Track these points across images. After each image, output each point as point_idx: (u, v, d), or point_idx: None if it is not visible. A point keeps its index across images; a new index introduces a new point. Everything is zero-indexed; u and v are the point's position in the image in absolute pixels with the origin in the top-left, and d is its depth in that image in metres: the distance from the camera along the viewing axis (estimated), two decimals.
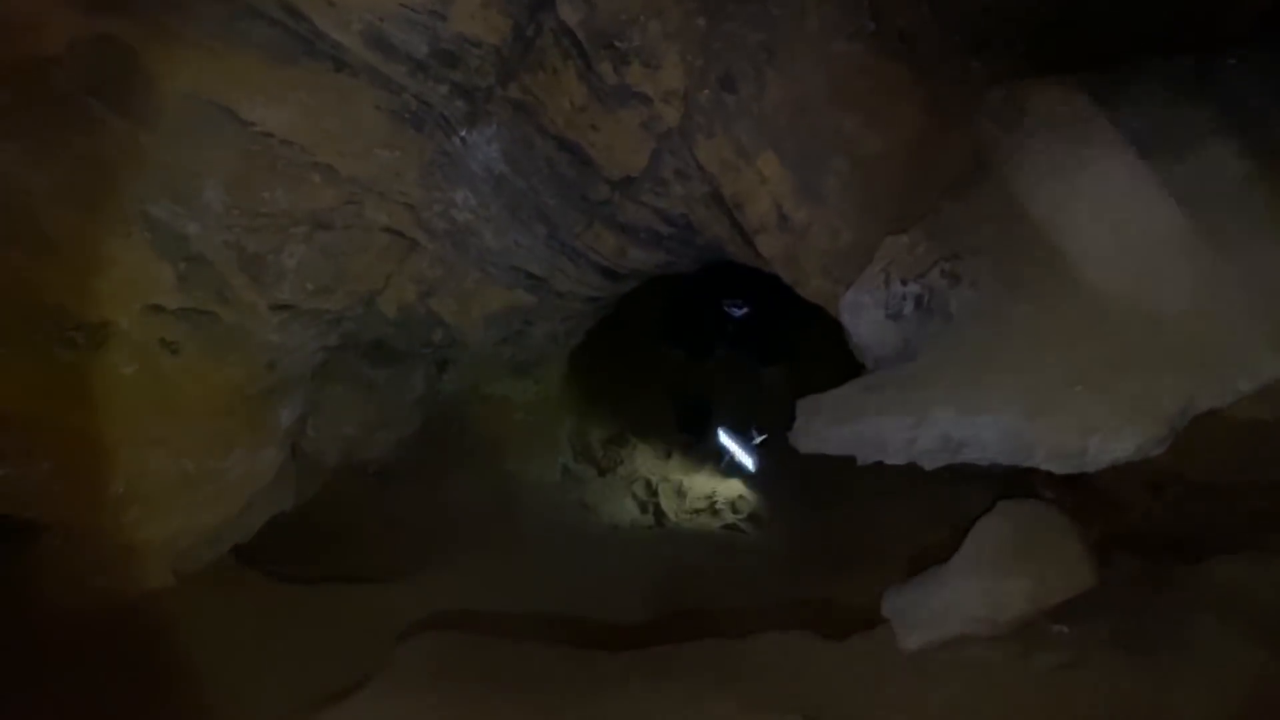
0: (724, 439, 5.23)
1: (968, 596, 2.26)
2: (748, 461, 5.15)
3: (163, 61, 2.15)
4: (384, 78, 2.30)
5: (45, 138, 2.14)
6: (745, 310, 5.29)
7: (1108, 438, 1.75)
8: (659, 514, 4.75)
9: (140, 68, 2.14)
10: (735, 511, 4.91)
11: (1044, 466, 1.87)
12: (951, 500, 3.48)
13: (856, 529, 3.85)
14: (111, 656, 2.55)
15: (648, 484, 4.97)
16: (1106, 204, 2.17)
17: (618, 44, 2.34)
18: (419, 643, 2.61)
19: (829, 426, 2.15)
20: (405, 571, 3.38)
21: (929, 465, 2.06)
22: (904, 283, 2.23)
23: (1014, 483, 2.97)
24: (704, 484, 5.06)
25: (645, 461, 5.17)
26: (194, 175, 2.30)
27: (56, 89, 2.11)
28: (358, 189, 2.48)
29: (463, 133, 2.51)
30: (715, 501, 4.93)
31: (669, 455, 5.31)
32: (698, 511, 4.82)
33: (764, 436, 5.26)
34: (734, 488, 5.07)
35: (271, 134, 2.29)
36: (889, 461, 2.08)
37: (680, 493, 4.98)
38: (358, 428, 3.40)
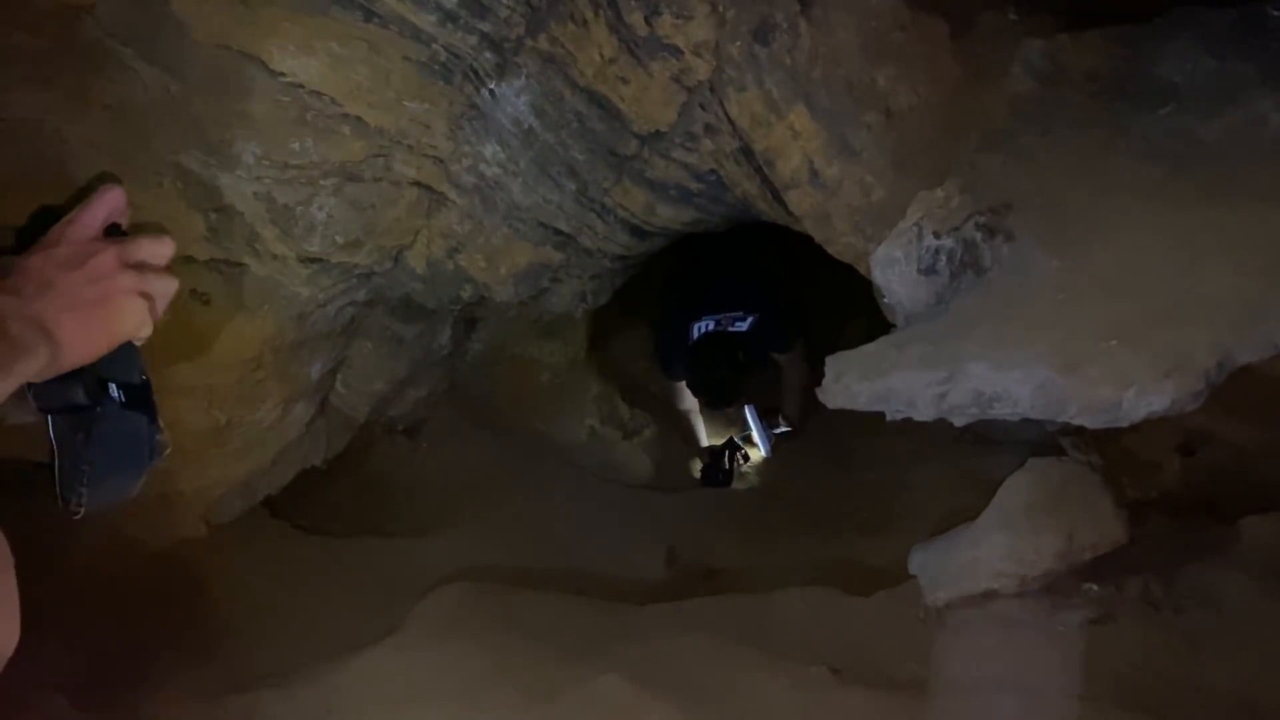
0: (748, 416, 5.01)
1: (995, 552, 2.25)
2: (763, 446, 5.02)
3: (193, 11, 2.14)
4: (413, 28, 2.29)
5: (79, 86, 2.14)
6: (750, 317, 4.86)
7: (1143, 391, 1.72)
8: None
9: (171, 16, 2.13)
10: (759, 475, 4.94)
11: (1077, 421, 1.84)
12: (979, 464, 3.47)
13: (883, 492, 3.84)
14: (144, 604, 2.60)
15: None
16: (1144, 157, 2.14)
17: None
18: (445, 593, 2.64)
19: (858, 382, 2.13)
20: (432, 527, 3.42)
21: (959, 421, 2.04)
22: (937, 236, 2.20)
23: (1043, 447, 2.95)
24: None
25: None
26: (224, 126, 2.30)
27: (89, 38, 2.12)
28: (386, 141, 2.47)
29: (491, 85, 2.50)
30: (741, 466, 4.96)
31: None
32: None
33: (787, 429, 5.09)
34: (757, 454, 5.09)
35: (301, 85, 2.28)
36: (918, 417, 2.06)
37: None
38: (387, 384, 3.42)
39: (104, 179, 1.07)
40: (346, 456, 3.46)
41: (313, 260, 2.60)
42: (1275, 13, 2.31)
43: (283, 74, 2.25)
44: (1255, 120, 2.13)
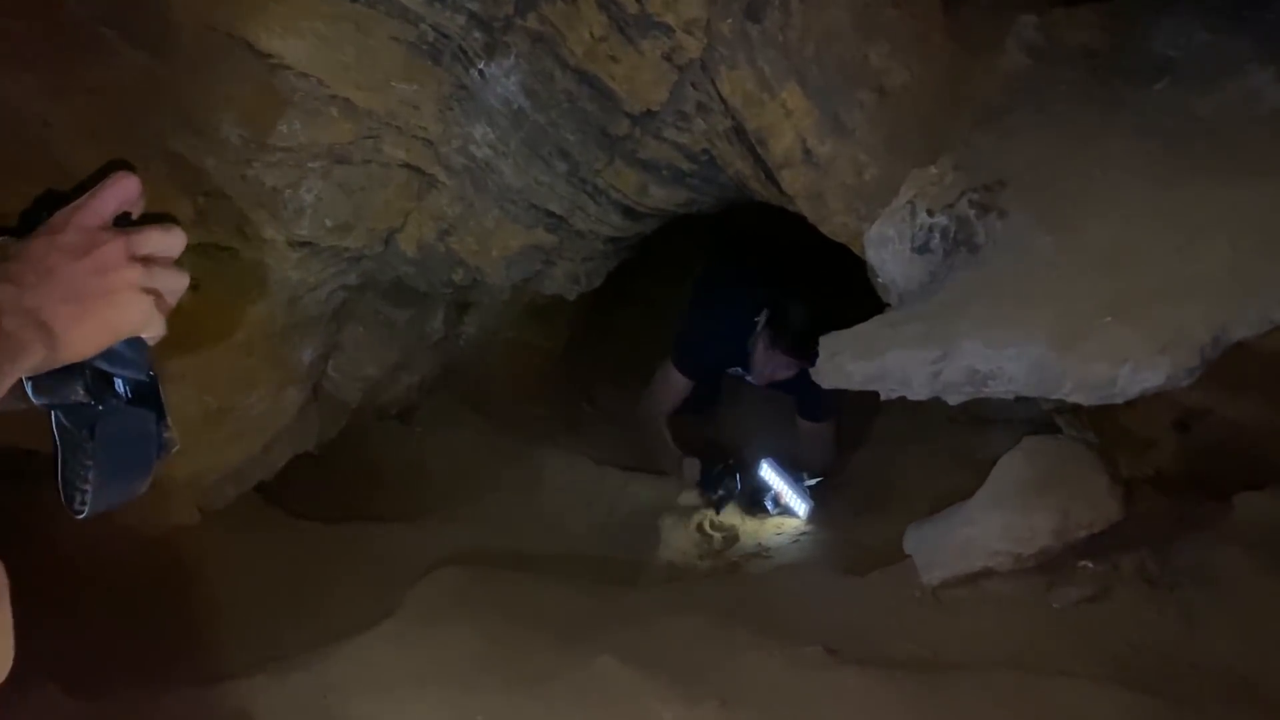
0: (770, 471, 3.76)
1: (990, 531, 2.25)
2: (801, 504, 3.67)
3: None
4: (401, 7, 2.26)
5: (62, 69, 2.11)
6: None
7: (1138, 367, 1.72)
8: None
9: None
10: None
11: (1072, 398, 1.84)
12: (975, 443, 3.47)
13: (878, 472, 3.85)
14: (138, 591, 2.59)
15: None
16: (1139, 133, 2.13)
17: None
18: (440, 577, 2.64)
19: (853, 361, 2.12)
20: (426, 512, 3.42)
21: (953, 400, 2.04)
22: (931, 214, 2.19)
23: (1036, 426, 2.96)
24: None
25: None
26: (211, 108, 2.27)
27: (73, 20, 2.09)
28: (375, 123, 2.45)
29: (481, 65, 2.47)
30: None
31: None
32: None
33: (819, 479, 3.81)
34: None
35: (289, 66, 2.26)
36: (913, 396, 2.06)
37: None
38: (379, 369, 3.40)
39: (117, 165, 1.03)
40: (339, 442, 3.45)
41: (302, 244, 2.58)
42: None
43: (269, 55, 2.22)
44: (1250, 94, 2.12)
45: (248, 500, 3.06)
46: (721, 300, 4.16)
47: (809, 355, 3.44)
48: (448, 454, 3.88)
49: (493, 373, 4.45)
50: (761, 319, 3.87)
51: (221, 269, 2.46)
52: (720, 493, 3.72)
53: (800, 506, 3.63)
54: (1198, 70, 2.21)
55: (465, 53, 2.44)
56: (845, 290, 3.33)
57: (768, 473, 3.73)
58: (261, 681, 2.23)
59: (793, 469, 3.75)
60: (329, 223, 2.57)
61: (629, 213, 3.05)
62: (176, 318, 1.04)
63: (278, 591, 2.75)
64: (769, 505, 3.75)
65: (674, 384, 4.10)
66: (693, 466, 3.89)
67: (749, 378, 4.07)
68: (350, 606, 2.64)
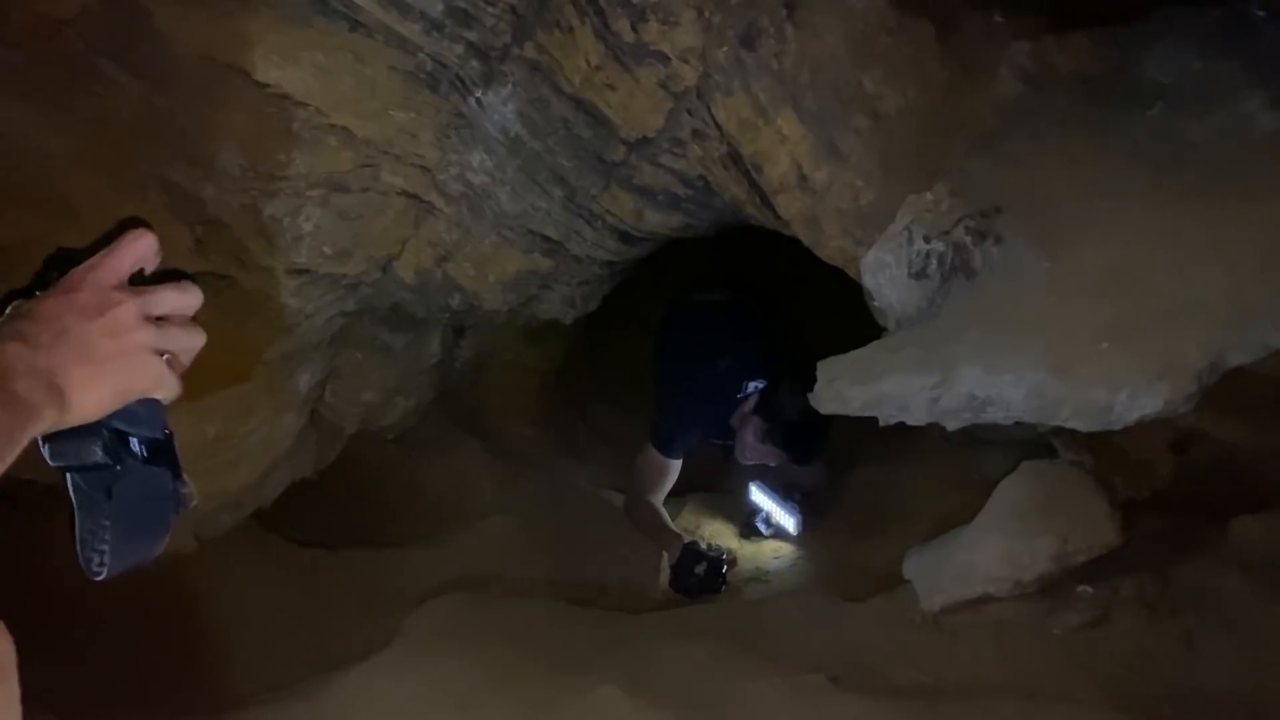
0: (759, 493, 3.83)
1: (990, 556, 2.25)
2: (791, 523, 3.72)
3: (176, 22, 2.12)
4: (399, 37, 2.27)
5: (61, 100, 2.12)
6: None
7: (1136, 393, 1.73)
8: None
9: (154, 29, 2.11)
10: None
11: (1070, 424, 1.85)
12: (972, 464, 3.47)
13: (875, 493, 3.84)
14: (135, 620, 2.57)
15: None
16: (1132, 159, 2.14)
17: (634, 0, 2.30)
18: (438, 605, 2.63)
19: (851, 386, 2.13)
20: (424, 536, 3.40)
21: (952, 425, 2.04)
22: (927, 240, 2.20)
23: (1034, 447, 2.96)
24: None
25: None
26: (210, 138, 2.28)
27: (70, 51, 2.09)
28: (374, 151, 2.46)
29: (478, 93, 2.49)
30: None
31: None
32: None
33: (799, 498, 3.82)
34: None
35: (287, 95, 2.26)
36: (911, 422, 2.06)
37: None
38: (376, 394, 3.40)
39: (132, 223, 1.02)
40: (337, 467, 3.44)
41: (300, 272, 2.58)
42: (1259, 12, 2.31)
43: (268, 85, 2.23)
44: (1242, 120, 2.13)
45: (245, 527, 3.05)
46: (696, 373, 3.90)
47: (803, 453, 3.57)
48: (445, 477, 3.86)
49: (489, 395, 4.45)
50: (748, 400, 3.72)
51: (220, 298, 2.46)
52: (691, 581, 3.33)
53: (790, 522, 3.69)
54: (1190, 96, 2.23)
55: (463, 81, 2.45)
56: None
57: (757, 495, 3.79)
58: (259, 713, 2.22)
59: (783, 489, 3.77)
60: (327, 250, 2.57)
61: (625, 237, 3.06)
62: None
63: (276, 619, 2.74)
64: (761, 527, 3.80)
65: (659, 466, 3.79)
66: (674, 553, 3.44)
67: (734, 454, 3.87)
68: (349, 634, 2.63)
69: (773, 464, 3.75)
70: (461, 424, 4.23)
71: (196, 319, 1.04)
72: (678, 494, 3.99)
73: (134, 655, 2.44)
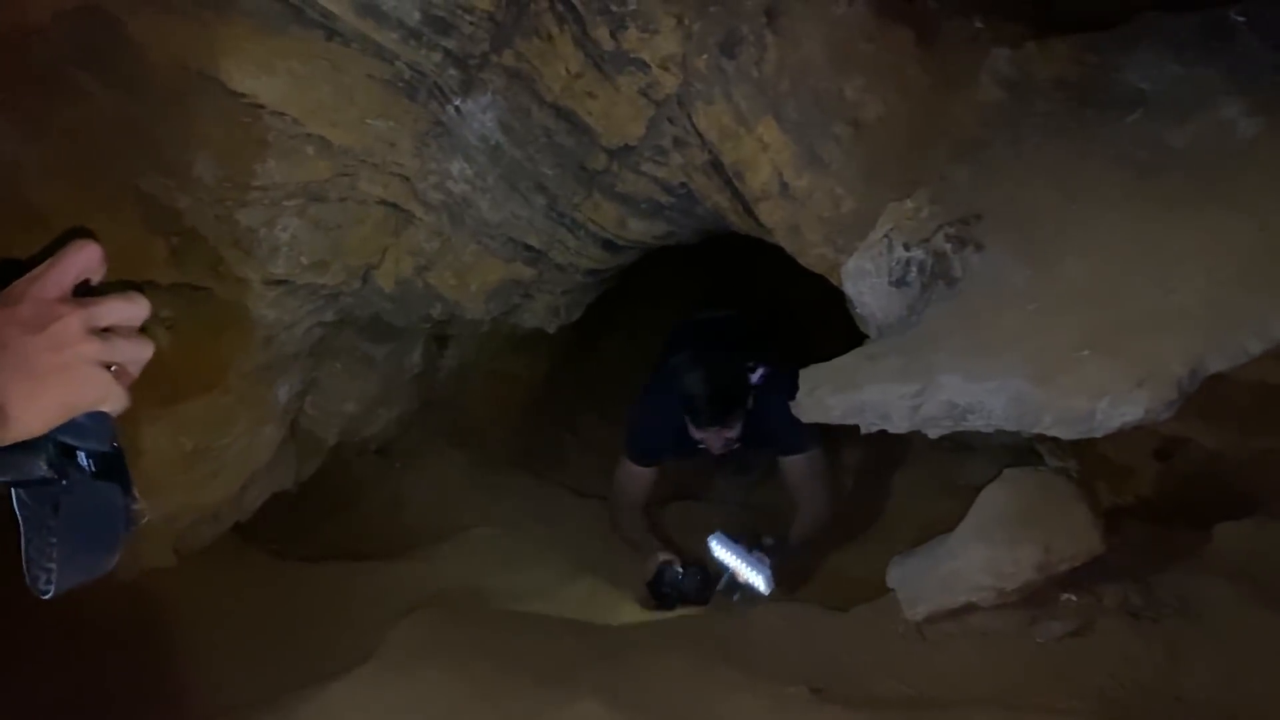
0: (720, 550, 3.33)
1: (973, 565, 2.23)
2: (761, 582, 3.20)
3: (150, 32, 2.10)
4: (376, 45, 2.25)
5: (33, 111, 2.10)
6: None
7: (1116, 401, 1.72)
8: None
9: (127, 38, 2.09)
10: None
11: (1051, 432, 1.84)
12: (955, 470, 3.47)
13: (859, 500, 3.83)
14: (113, 635, 2.54)
15: None
16: (1113, 165, 2.14)
17: (614, 8, 2.29)
18: (418, 619, 2.59)
19: (832, 395, 2.12)
20: (407, 548, 3.38)
21: (933, 433, 2.03)
22: (907, 248, 2.19)
23: (1018, 452, 2.96)
24: None
25: None
26: (184, 148, 2.26)
27: (42, 60, 2.07)
28: (351, 160, 2.44)
29: (457, 101, 2.47)
30: None
31: None
32: None
33: (771, 543, 3.39)
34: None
35: (263, 105, 2.25)
36: (892, 430, 2.05)
37: None
38: (357, 405, 3.38)
39: (78, 233, 1.00)
40: (318, 479, 3.41)
41: (278, 282, 2.56)
42: (1238, 18, 2.31)
43: (243, 94, 2.21)
44: (1222, 126, 2.13)
45: (225, 540, 3.02)
46: (660, 380, 3.73)
47: (732, 417, 3.33)
48: (427, 488, 3.84)
49: (473, 405, 4.42)
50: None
51: (196, 309, 2.44)
52: (666, 590, 3.30)
53: (758, 580, 3.18)
54: (1170, 102, 2.23)
55: (441, 90, 2.44)
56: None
57: (719, 550, 3.30)
58: None
59: (746, 537, 3.36)
60: (305, 260, 2.55)
61: (608, 245, 3.05)
62: (153, 359, 1.00)
63: (256, 634, 2.71)
64: (724, 590, 3.31)
65: (636, 475, 3.72)
66: (652, 563, 3.39)
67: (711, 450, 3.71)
68: (330, 648, 2.60)
69: (734, 448, 3.55)
70: (445, 434, 4.20)
71: (145, 329, 1.01)
72: (663, 502, 3.96)
73: (112, 672, 2.41)
